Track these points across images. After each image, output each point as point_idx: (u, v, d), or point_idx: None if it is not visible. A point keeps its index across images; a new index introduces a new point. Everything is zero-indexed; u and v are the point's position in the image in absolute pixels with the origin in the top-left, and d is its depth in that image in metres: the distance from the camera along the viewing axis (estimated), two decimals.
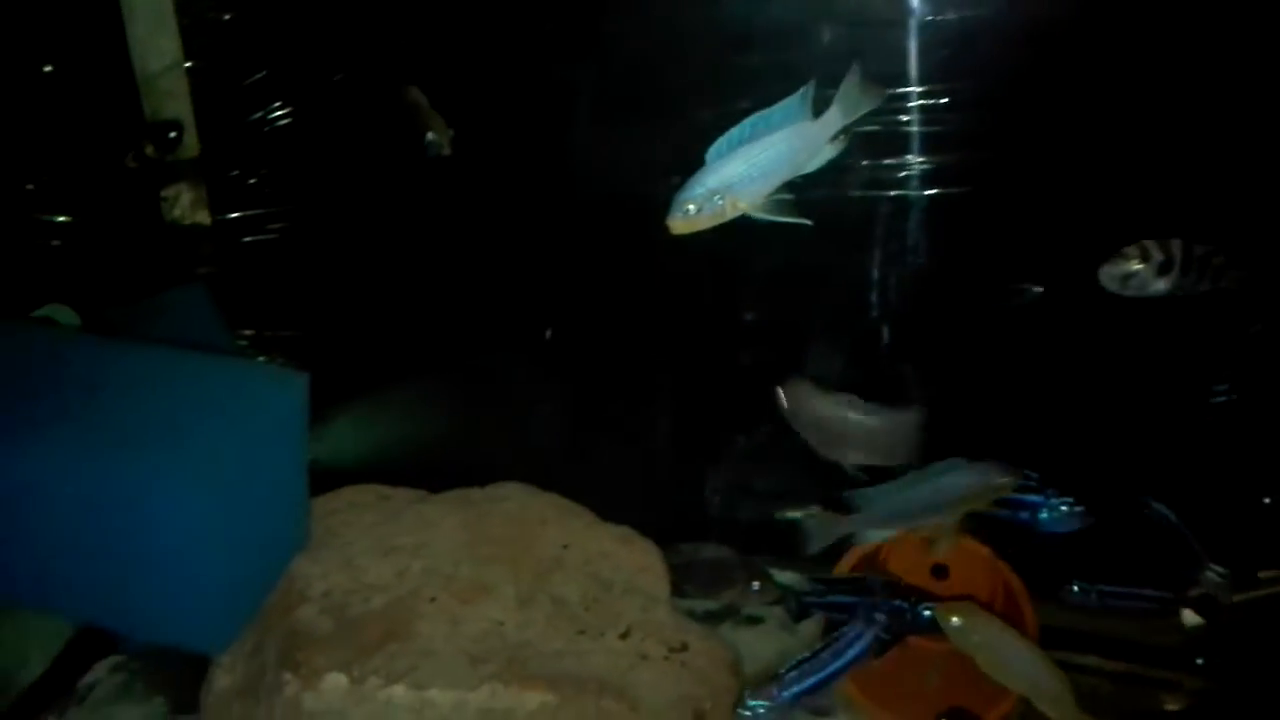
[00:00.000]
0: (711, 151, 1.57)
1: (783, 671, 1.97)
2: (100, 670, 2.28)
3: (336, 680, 1.77)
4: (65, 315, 2.24)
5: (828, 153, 1.62)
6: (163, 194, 2.67)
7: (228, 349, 2.46)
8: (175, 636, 1.85)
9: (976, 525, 2.21)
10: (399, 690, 1.77)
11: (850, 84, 1.60)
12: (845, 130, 1.61)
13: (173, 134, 2.54)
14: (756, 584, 2.22)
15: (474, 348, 2.67)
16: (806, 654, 2.01)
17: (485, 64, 2.40)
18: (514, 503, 2.15)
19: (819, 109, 1.59)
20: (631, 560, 2.05)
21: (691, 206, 1.57)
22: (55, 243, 2.64)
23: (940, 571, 2.32)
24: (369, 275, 2.66)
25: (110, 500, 1.71)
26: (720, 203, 1.57)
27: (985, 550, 2.19)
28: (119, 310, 2.36)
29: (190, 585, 1.75)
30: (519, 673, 1.79)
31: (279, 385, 1.88)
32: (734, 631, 2.50)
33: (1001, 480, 1.88)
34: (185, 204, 2.70)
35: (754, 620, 2.56)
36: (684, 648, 1.87)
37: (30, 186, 2.60)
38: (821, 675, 1.98)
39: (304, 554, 1.98)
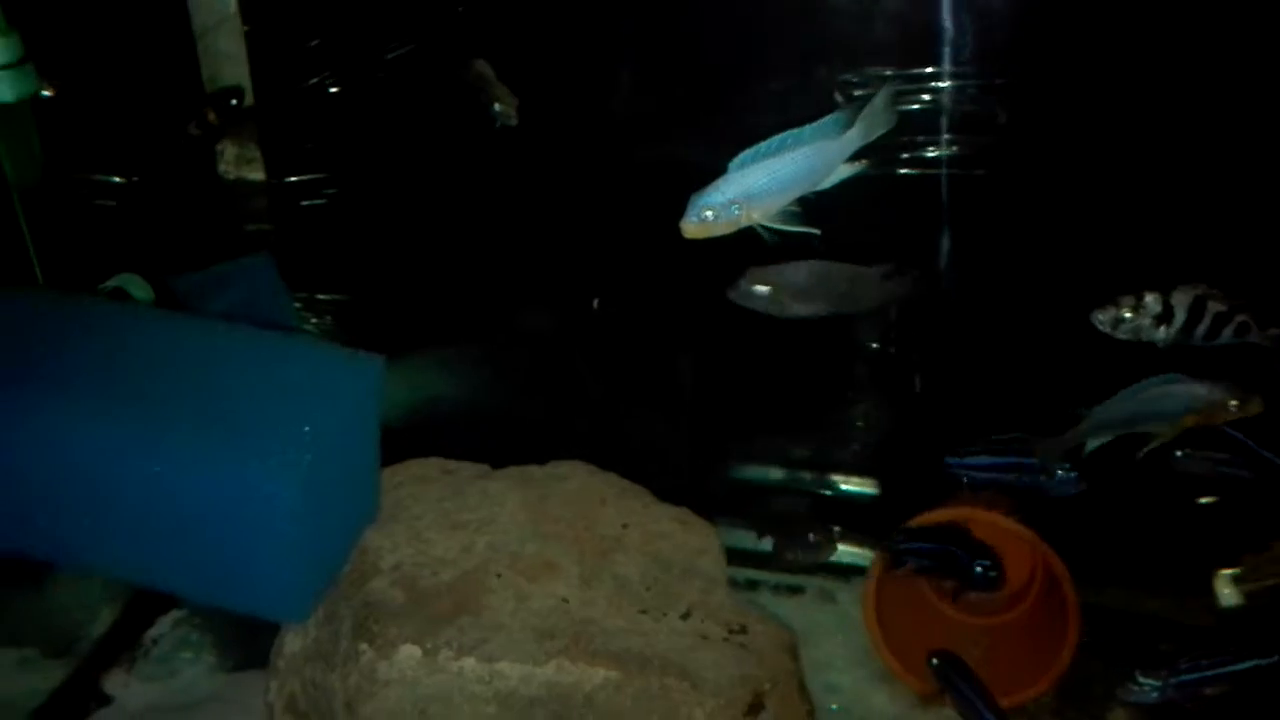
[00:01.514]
0: (735, 161, 1.62)
1: None
2: (164, 624, 2.38)
3: (410, 651, 1.83)
4: (138, 287, 2.29)
5: (843, 171, 1.68)
6: (218, 148, 2.71)
7: (291, 318, 2.51)
8: (258, 608, 1.92)
9: (1017, 505, 2.29)
10: (470, 662, 1.83)
11: (876, 106, 1.66)
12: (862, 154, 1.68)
13: (234, 101, 2.57)
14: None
15: (521, 316, 2.72)
16: None
17: (540, 26, 2.43)
18: (574, 482, 2.19)
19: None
20: (690, 541, 2.11)
21: (709, 213, 1.62)
22: (111, 203, 2.67)
23: None
24: (419, 242, 2.70)
25: (195, 477, 1.77)
26: (737, 212, 1.62)
27: (1028, 532, 2.24)
28: (186, 278, 2.40)
29: (273, 560, 1.81)
30: (584, 649, 1.84)
31: (357, 368, 1.92)
32: (774, 601, 2.58)
33: (1231, 398, 1.88)
34: (236, 158, 2.73)
35: (794, 590, 2.64)
36: (743, 629, 1.93)
37: (91, 148, 2.63)
38: None
39: (374, 526, 2.04)
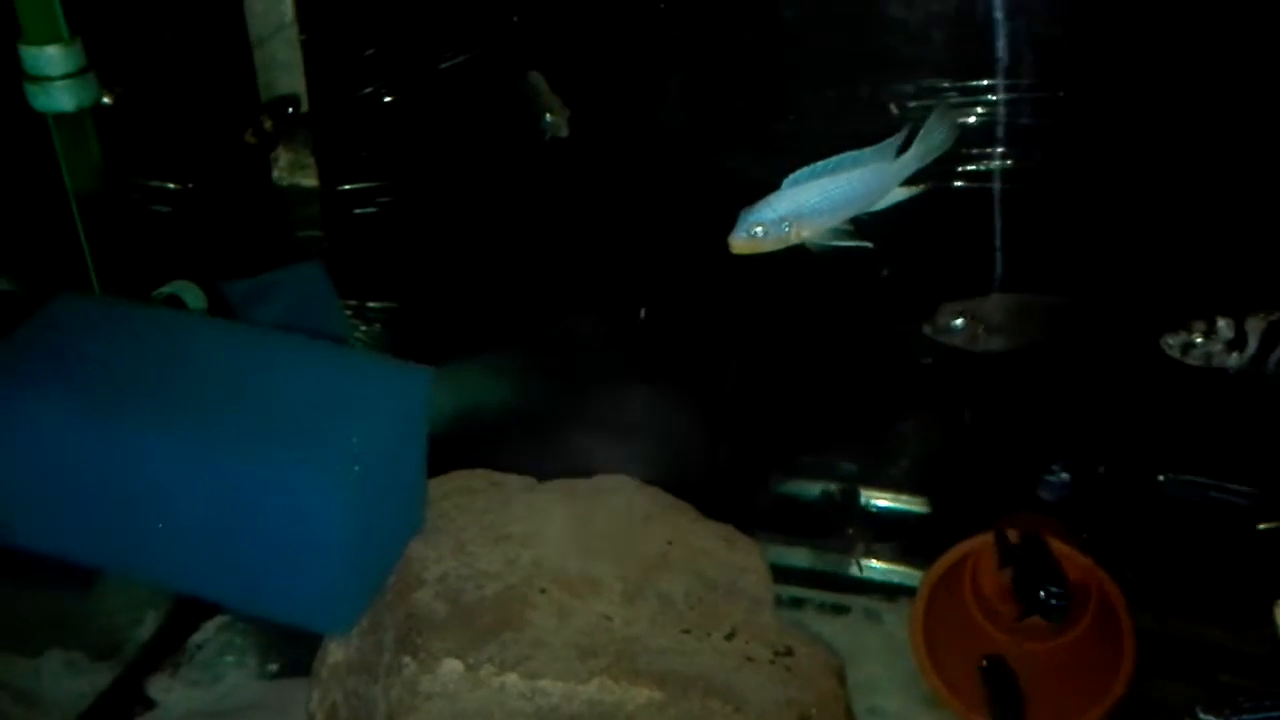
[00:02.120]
0: (789, 178, 1.61)
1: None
2: (208, 630, 2.38)
3: (453, 666, 1.83)
4: (192, 294, 2.30)
5: (899, 194, 1.67)
6: (272, 154, 2.70)
7: (341, 326, 2.52)
8: (304, 619, 1.93)
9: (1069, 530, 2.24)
10: (512, 678, 1.82)
11: (931, 128, 1.65)
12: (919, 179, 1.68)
13: (289, 109, 2.57)
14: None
15: (569, 326, 2.68)
16: None
17: (593, 37, 2.41)
18: (620, 496, 2.19)
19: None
20: (735, 560, 2.09)
21: (759, 229, 1.61)
22: (167, 209, 2.68)
23: None
24: (469, 251, 2.68)
25: (243, 486, 1.77)
26: (787, 229, 1.61)
27: (1084, 557, 2.18)
28: (238, 285, 2.42)
29: (319, 570, 1.82)
30: (627, 668, 1.83)
31: (405, 380, 1.93)
32: (818, 620, 2.54)
33: None
34: (290, 164, 2.73)
35: (839, 609, 2.59)
36: (789, 652, 1.91)
37: (148, 155, 2.64)
38: None
39: (420, 537, 2.04)
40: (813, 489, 2.71)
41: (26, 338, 1.91)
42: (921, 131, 1.65)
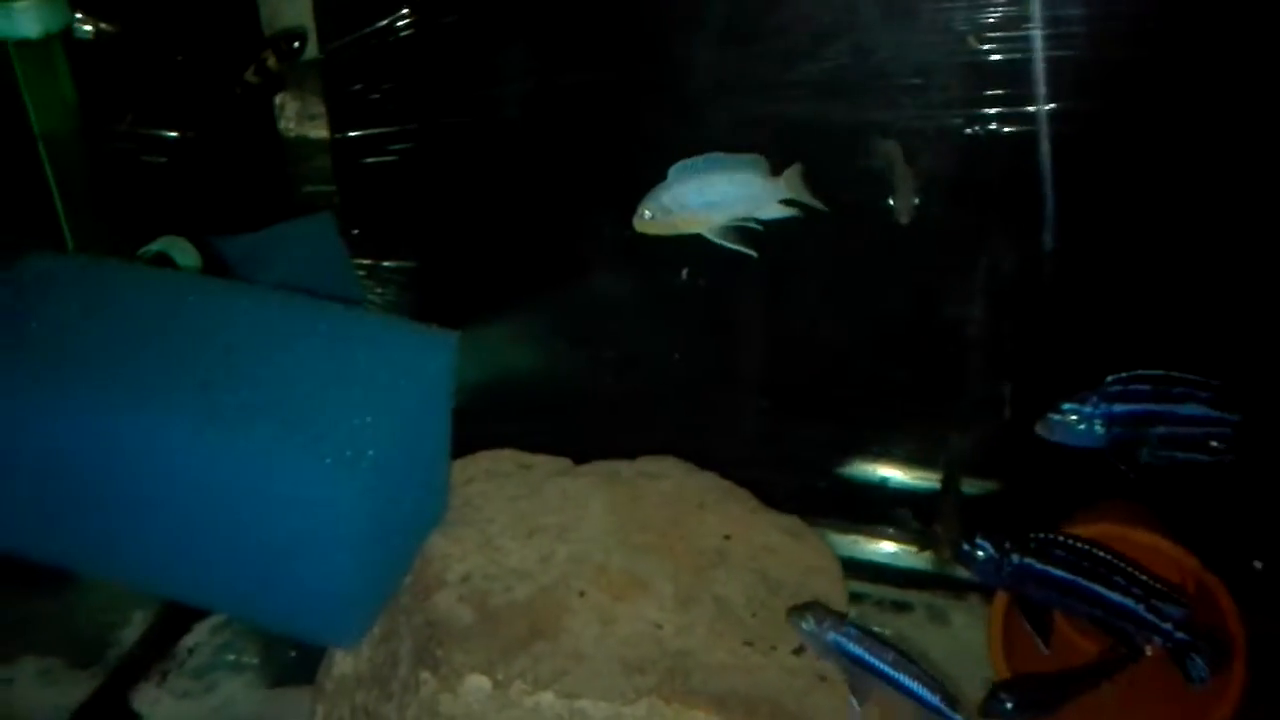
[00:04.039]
0: (673, 169, 1.77)
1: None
2: (201, 631, 2.19)
3: (478, 682, 1.62)
4: (183, 252, 2.06)
5: (776, 210, 1.80)
6: (277, 101, 2.53)
7: (354, 286, 2.28)
8: (306, 629, 1.71)
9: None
10: (547, 698, 1.61)
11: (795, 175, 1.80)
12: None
13: (295, 44, 2.37)
14: None
15: (604, 286, 2.50)
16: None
17: None
18: (668, 482, 1.98)
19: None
20: (802, 557, 1.88)
21: (648, 213, 1.79)
22: (158, 158, 2.48)
23: None
24: (494, 204, 2.50)
25: (238, 476, 1.56)
26: (671, 217, 1.78)
27: (1189, 558, 1.94)
28: (236, 242, 2.18)
29: (325, 572, 1.59)
30: (680, 687, 1.62)
31: (426, 348, 1.70)
32: (878, 620, 2.32)
33: None
34: (298, 114, 2.55)
35: (901, 607, 2.38)
36: None
37: (137, 97, 2.43)
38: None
39: (441, 529, 1.83)
40: (874, 471, 2.53)
41: None
42: (788, 175, 1.78)
